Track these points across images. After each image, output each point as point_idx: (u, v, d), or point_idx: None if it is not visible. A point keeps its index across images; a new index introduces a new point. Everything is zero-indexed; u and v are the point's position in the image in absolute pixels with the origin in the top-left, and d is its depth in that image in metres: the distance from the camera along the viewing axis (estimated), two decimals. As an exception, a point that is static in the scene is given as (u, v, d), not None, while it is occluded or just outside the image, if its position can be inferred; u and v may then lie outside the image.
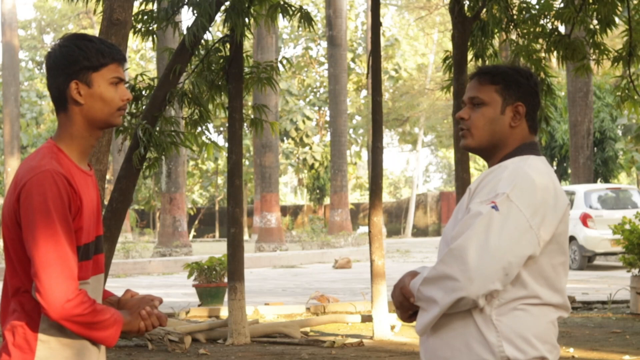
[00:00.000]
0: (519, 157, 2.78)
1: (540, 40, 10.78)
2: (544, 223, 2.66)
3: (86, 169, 2.76)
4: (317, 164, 42.43)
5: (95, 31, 44.66)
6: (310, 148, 42.56)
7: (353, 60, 45.48)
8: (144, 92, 9.50)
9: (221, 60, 9.80)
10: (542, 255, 2.66)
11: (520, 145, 2.83)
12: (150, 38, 9.71)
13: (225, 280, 12.95)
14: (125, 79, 2.82)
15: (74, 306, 2.56)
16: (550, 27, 10.71)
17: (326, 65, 43.98)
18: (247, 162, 39.60)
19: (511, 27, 10.67)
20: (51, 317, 2.56)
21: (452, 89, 10.42)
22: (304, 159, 42.57)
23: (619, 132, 27.43)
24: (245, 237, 34.86)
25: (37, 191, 2.60)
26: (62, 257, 2.56)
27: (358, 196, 51.86)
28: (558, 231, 2.71)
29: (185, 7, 9.59)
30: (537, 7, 10.70)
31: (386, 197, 53.74)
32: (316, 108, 45.58)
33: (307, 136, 42.79)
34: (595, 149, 26.21)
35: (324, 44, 44.24)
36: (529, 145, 2.83)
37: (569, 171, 25.92)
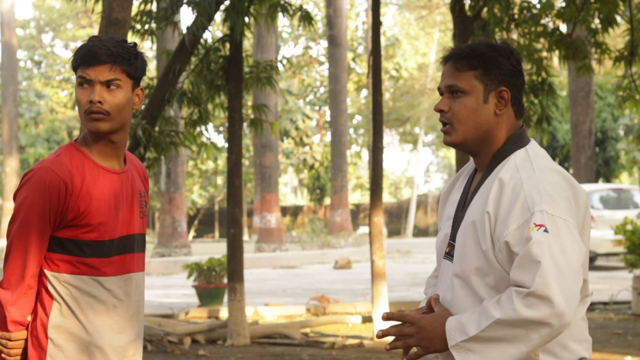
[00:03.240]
0: (519, 155, 2.52)
1: (542, 40, 10.74)
2: (577, 221, 2.49)
3: (113, 167, 2.77)
4: (317, 164, 42.39)
5: (94, 31, 44.63)
6: (310, 148, 42.52)
7: (353, 59, 45.44)
8: (143, 92, 9.44)
9: (221, 60, 9.76)
10: None
11: (510, 137, 2.55)
12: (150, 38, 9.67)
13: (225, 280, 12.91)
14: (97, 80, 2.70)
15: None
16: (552, 27, 10.69)
17: (326, 65, 43.95)
18: (247, 162, 39.55)
19: (512, 26, 10.63)
20: None
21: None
22: (304, 159, 42.53)
23: (621, 132, 27.41)
24: (245, 237, 34.81)
25: (25, 186, 2.71)
26: (22, 252, 2.69)
27: (358, 196, 51.82)
28: (583, 222, 2.54)
29: (185, 6, 9.55)
30: (538, 6, 10.67)
31: (387, 197, 53.71)
32: (316, 108, 45.54)
33: (307, 136, 42.74)
34: (597, 149, 26.16)
35: (324, 43, 44.21)
36: (519, 135, 2.56)
37: (571, 171, 25.86)
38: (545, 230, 2.36)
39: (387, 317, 2.55)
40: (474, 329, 2.40)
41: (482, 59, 2.52)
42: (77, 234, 2.70)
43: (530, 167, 2.48)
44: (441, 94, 2.59)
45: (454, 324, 2.44)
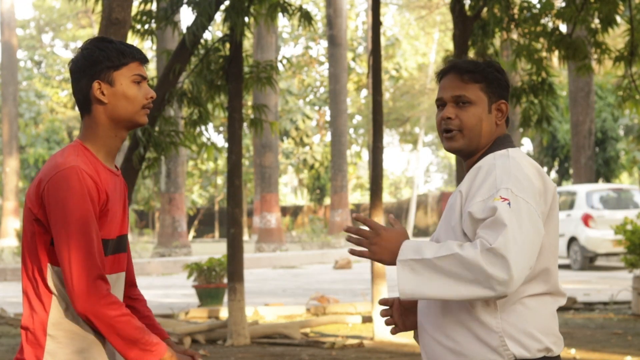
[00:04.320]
0: (500, 152, 2.74)
1: (542, 40, 10.74)
2: (541, 209, 2.65)
3: (112, 168, 2.83)
4: (317, 164, 42.37)
5: (94, 30, 44.63)
6: (311, 148, 42.51)
7: (353, 59, 45.43)
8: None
9: (221, 60, 9.75)
10: None
11: (496, 139, 2.79)
12: (150, 38, 9.67)
13: (225, 281, 12.90)
14: (148, 78, 2.87)
15: (105, 305, 2.63)
16: (552, 27, 10.68)
17: (326, 65, 43.94)
18: (247, 162, 39.53)
19: (512, 26, 10.63)
20: (78, 310, 2.63)
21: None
22: (304, 159, 42.51)
23: (621, 132, 27.41)
24: (245, 237, 34.78)
25: (62, 187, 2.66)
26: (89, 253, 2.64)
27: (358, 196, 51.80)
28: (550, 213, 2.70)
29: (185, 6, 9.54)
30: (538, 6, 10.66)
31: (387, 197, 53.69)
32: (316, 108, 45.52)
33: (307, 136, 42.72)
34: (597, 149, 26.15)
35: (324, 43, 44.20)
36: (505, 138, 2.80)
37: (571, 171, 25.87)
38: (509, 204, 2.55)
39: (355, 218, 2.72)
40: (429, 254, 2.56)
41: (484, 74, 2.77)
42: None
43: (506, 158, 2.71)
44: (442, 103, 2.79)
45: (411, 244, 2.61)
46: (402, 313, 2.86)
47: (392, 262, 2.62)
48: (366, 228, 2.69)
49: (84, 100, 2.78)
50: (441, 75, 2.82)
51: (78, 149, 2.75)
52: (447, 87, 2.78)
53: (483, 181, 2.64)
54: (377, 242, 2.65)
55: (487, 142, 2.78)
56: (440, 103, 2.79)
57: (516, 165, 2.65)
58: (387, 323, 2.86)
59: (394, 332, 2.86)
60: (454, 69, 2.79)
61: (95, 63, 2.76)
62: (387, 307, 2.86)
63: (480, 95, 2.75)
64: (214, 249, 27.10)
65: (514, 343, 2.62)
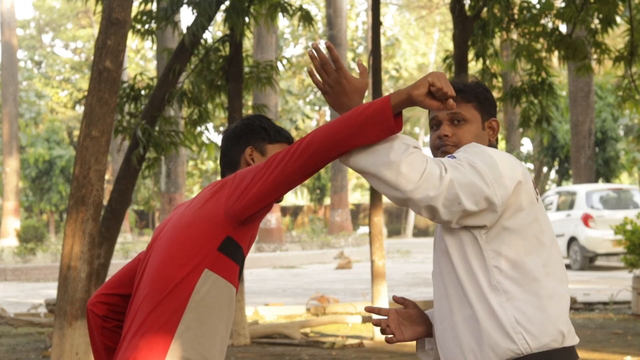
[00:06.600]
0: None
1: (541, 40, 10.76)
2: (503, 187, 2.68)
3: None
4: (317, 164, 42.37)
5: (94, 30, 44.65)
6: (311, 148, 42.50)
7: (354, 59, 45.43)
8: (143, 92, 9.47)
9: (221, 60, 9.76)
10: None
11: None
12: (150, 38, 9.67)
13: (225, 280, 12.91)
14: None
15: None
16: (551, 27, 10.70)
17: (326, 65, 43.87)
18: (247, 162, 39.48)
19: (512, 26, 10.65)
20: None
21: (452, 88, 10.39)
22: (304, 159, 42.50)
23: (621, 132, 27.41)
24: (245, 237, 34.71)
25: None
26: None
27: (358, 196, 51.79)
28: (521, 205, 2.66)
29: (185, 6, 9.55)
30: (538, 6, 10.67)
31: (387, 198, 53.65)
32: (316, 108, 45.54)
33: (307, 136, 42.73)
34: (597, 149, 26.15)
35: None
36: None
37: (571, 171, 25.87)
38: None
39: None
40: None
41: (474, 94, 2.82)
42: None
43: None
44: (437, 122, 2.81)
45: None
46: (399, 323, 2.87)
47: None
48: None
49: (231, 162, 2.99)
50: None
51: None
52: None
53: None
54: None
55: None
56: (435, 122, 2.81)
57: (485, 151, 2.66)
58: (384, 332, 2.87)
59: (390, 341, 2.87)
60: None
61: (255, 132, 2.98)
62: (383, 318, 2.87)
63: (474, 114, 2.79)
64: (214, 249, 27.06)
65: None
